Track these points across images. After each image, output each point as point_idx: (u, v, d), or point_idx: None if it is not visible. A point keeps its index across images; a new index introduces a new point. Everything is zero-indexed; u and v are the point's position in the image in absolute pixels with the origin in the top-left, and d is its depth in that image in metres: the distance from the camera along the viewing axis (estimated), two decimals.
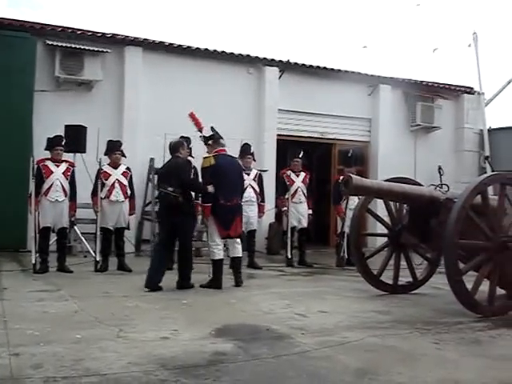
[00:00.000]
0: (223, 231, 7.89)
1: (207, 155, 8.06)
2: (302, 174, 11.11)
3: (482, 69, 15.99)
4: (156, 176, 9.82)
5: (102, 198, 9.23)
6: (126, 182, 9.42)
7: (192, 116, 8.54)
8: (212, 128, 8.32)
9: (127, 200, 9.42)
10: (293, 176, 10.99)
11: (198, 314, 6.25)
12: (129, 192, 9.46)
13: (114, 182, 9.30)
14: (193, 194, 8.12)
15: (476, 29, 16.23)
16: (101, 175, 9.27)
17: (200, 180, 8.46)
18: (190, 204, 7.92)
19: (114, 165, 9.45)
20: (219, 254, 7.89)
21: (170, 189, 7.63)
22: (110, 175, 9.34)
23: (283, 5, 35.15)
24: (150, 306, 6.56)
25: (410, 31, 33.91)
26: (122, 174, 9.44)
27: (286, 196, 10.75)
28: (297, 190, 10.92)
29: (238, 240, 8.16)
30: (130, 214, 9.62)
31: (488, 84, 24.06)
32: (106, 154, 9.53)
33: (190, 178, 8.23)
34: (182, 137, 9.96)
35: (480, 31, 20.39)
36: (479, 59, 15.92)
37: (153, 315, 6.08)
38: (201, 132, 8.39)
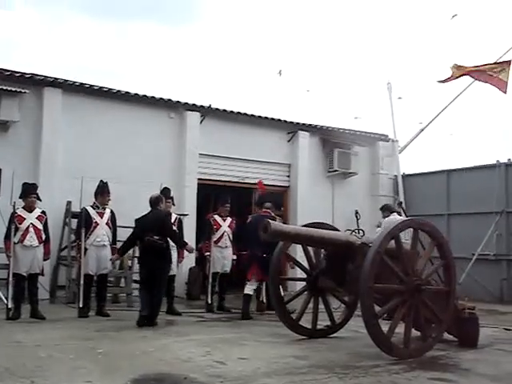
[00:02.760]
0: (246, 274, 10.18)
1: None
2: (229, 219, 11.08)
3: (395, 117, 16.71)
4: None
5: (15, 243, 8.94)
6: (40, 227, 9.16)
7: (260, 184, 12.10)
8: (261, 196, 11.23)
9: (42, 245, 9.15)
10: (219, 220, 10.95)
11: (114, 363, 6.06)
12: (43, 236, 9.20)
13: (28, 226, 9.03)
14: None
15: (390, 78, 16.93)
16: (15, 219, 8.98)
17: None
18: (168, 251, 8.94)
19: (29, 208, 9.19)
20: (247, 289, 10.03)
21: (155, 237, 8.58)
22: (24, 219, 9.06)
23: (204, 50, 35.72)
24: (63, 355, 6.32)
25: (329, 80, 35.02)
26: (36, 218, 9.18)
27: (214, 239, 10.73)
28: (223, 234, 10.88)
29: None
30: (45, 259, 9.35)
31: (402, 132, 25.13)
32: (20, 198, 9.24)
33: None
34: (101, 181, 9.88)
35: (394, 81, 21.31)
36: (393, 108, 16.61)
37: (66, 365, 5.86)
38: (262, 197, 11.38)
